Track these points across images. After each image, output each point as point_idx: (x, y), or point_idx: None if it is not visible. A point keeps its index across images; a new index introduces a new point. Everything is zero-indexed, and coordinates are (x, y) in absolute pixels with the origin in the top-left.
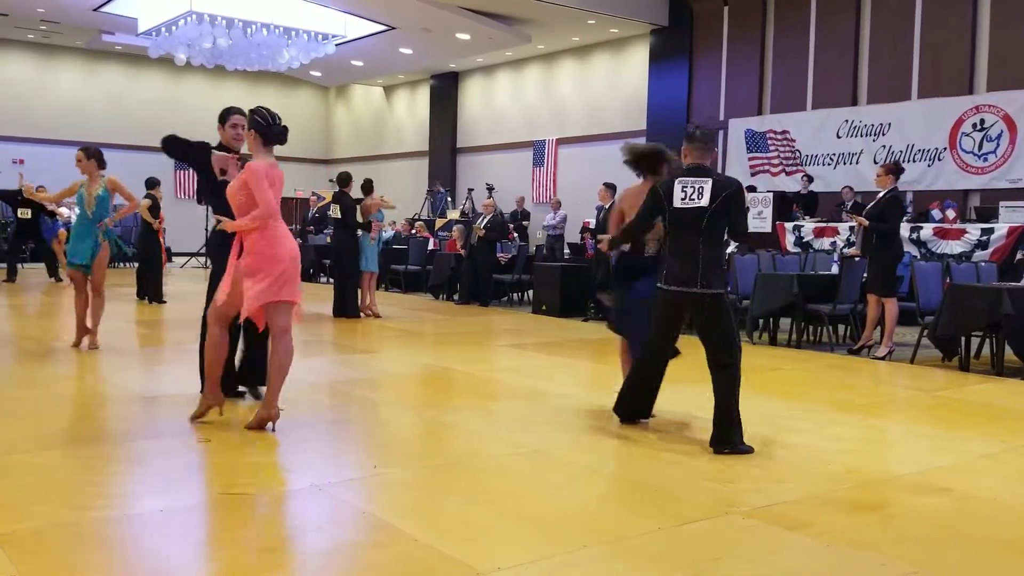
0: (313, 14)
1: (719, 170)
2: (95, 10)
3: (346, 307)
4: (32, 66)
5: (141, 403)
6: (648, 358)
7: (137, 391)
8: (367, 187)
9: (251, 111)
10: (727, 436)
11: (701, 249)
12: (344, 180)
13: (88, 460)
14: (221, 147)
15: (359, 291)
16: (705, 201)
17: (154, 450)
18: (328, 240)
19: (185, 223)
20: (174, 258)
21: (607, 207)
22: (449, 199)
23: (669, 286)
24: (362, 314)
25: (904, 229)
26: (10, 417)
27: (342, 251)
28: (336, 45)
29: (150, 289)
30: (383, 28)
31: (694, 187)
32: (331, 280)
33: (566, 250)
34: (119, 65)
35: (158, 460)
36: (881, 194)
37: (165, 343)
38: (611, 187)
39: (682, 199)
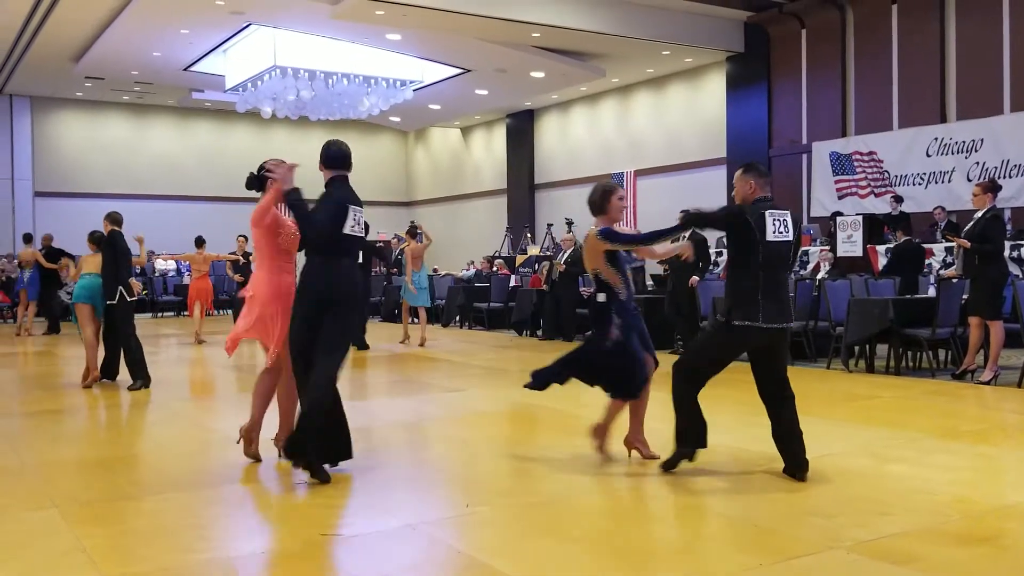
0: (391, 62)
1: (804, 193)
2: (185, 70)
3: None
4: (128, 125)
5: (235, 447)
6: (696, 386)
7: (231, 435)
8: (411, 231)
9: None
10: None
11: (786, 283)
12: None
13: (189, 504)
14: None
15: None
16: (791, 234)
17: (250, 494)
18: None
19: None
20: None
21: (685, 237)
22: (528, 235)
23: (768, 324)
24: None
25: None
26: (114, 464)
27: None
28: (414, 90)
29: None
30: (459, 71)
31: (782, 220)
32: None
33: (649, 282)
34: (209, 121)
35: (255, 503)
36: (979, 213)
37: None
38: None
39: (773, 232)
